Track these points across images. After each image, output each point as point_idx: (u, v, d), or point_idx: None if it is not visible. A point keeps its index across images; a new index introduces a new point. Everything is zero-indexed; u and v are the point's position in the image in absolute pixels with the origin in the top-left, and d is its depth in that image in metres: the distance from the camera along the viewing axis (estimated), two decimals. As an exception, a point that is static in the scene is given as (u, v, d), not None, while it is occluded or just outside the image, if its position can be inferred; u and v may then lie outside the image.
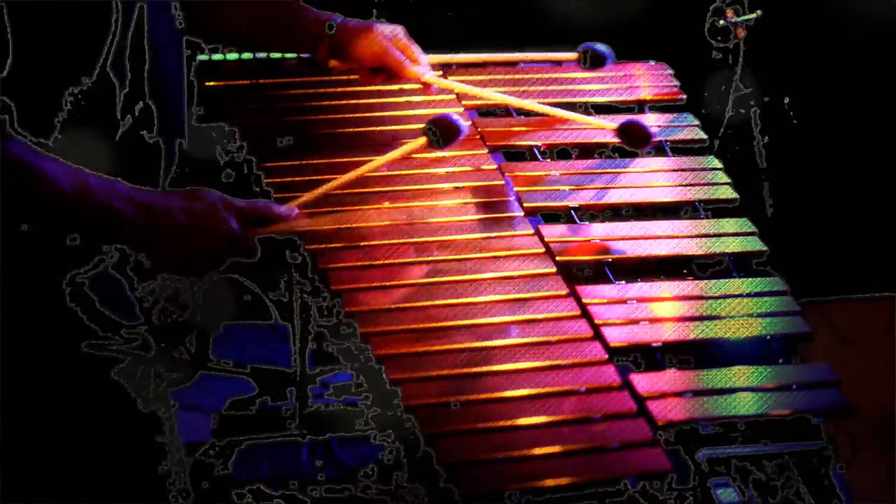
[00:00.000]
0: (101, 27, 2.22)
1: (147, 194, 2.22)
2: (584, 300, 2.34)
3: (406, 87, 3.07)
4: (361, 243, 2.49)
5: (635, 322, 2.31)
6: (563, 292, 2.38)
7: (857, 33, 4.82)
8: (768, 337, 2.29)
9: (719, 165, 2.79)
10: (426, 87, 2.86)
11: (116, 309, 2.31)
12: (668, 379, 2.17)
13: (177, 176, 2.46)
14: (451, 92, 3.01)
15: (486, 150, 2.81)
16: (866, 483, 4.04)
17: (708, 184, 2.74)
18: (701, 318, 2.35)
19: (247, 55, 3.26)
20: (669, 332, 2.30)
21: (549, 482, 1.97)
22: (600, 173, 2.76)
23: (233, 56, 3.26)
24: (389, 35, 2.82)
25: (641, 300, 2.37)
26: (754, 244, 2.56)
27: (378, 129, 2.89)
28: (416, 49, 2.85)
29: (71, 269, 2.25)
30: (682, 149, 2.87)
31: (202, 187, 2.29)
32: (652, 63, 3.20)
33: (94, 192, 2.15)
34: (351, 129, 2.89)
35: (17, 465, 2.25)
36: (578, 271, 2.40)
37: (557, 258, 2.46)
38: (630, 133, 2.75)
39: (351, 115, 2.94)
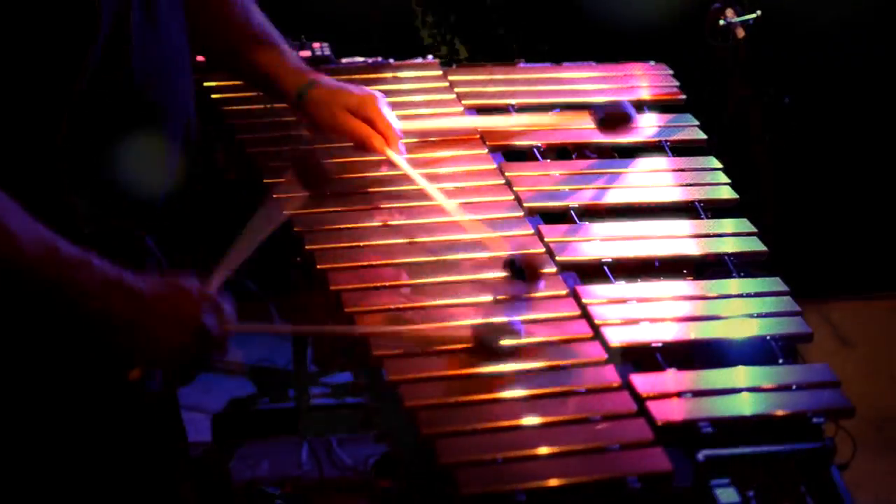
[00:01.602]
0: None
1: (119, 272, 2.12)
2: (584, 300, 2.34)
3: (406, 87, 3.08)
4: (361, 244, 2.49)
5: (635, 322, 2.31)
6: (563, 292, 2.38)
7: (856, 33, 4.82)
8: (768, 337, 2.29)
9: (719, 165, 2.79)
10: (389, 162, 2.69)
11: None
12: (669, 379, 2.17)
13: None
14: (450, 91, 3.02)
15: (486, 150, 2.81)
16: (866, 483, 4.04)
17: (708, 184, 2.74)
18: (701, 318, 2.35)
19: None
20: (669, 333, 2.30)
21: (549, 482, 1.97)
22: (600, 173, 2.76)
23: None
24: (354, 103, 2.67)
25: (641, 300, 2.37)
26: (754, 244, 2.56)
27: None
28: (388, 117, 2.67)
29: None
30: (682, 149, 2.87)
31: (181, 274, 2.20)
32: (652, 63, 3.20)
33: (61, 259, 2.06)
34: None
35: (19, 466, 2.25)
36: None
37: (557, 258, 2.46)
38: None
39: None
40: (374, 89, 2.82)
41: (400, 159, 2.67)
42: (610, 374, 2.18)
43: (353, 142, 2.68)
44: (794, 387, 2.19)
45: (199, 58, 2.93)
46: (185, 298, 2.17)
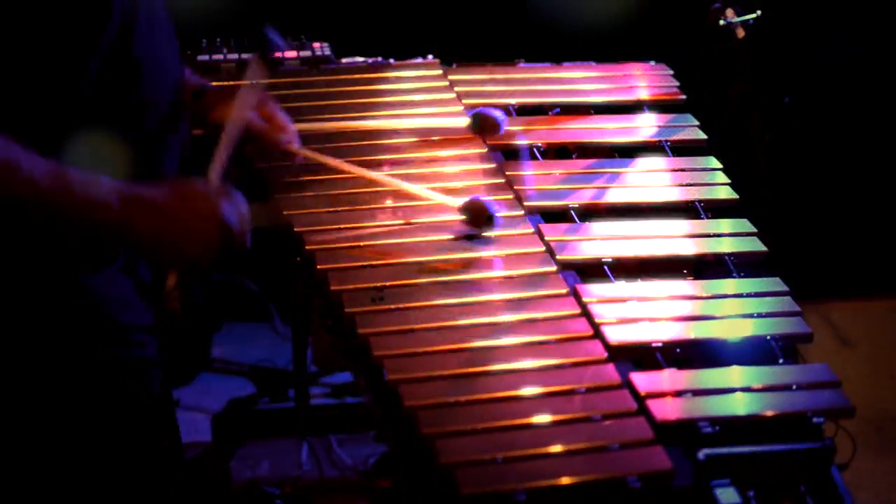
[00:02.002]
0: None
1: (132, 186, 2.17)
2: (585, 299, 2.34)
3: (405, 87, 3.08)
4: (361, 244, 2.49)
5: (635, 321, 2.31)
6: (563, 291, 2.38)
7: (856, 33, 4.82)
8: (768, 337, 2.29)
9: (719, 165, 2.80)
10: (291, 156, 2.70)
11: (124, 310, 2.30)
12: (669, 378, 2.17)
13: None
14: (449, 91, 3.02)
15: (486, 150, 2.81)
16: (866, 483, 4.04)
17: (708, 184, 2.74)
18: (701, 318, 2.35)
19: (247, 55, 3.27)
20: (670, 332, 2.29)
21: (550, 482, 1.96)
22: (600, 173, 2.76)
23: (233, 56, 3.27)
24: (253, 102, 2.66)
25: (641, 300, 2.37)
26: (754, 244, 2.56)
27: (378, 128, 2.89)
28: (282, 116, 2.69)
29: (79, 269, 2.24)
30: (682, 149, 2.87)
31: (192, 178, 2.26)
32: (652, 63, 3.20)
33: (75, 184, 2.11)
34: (350, 129, 2.89)
35: (18, 465, 2.25)
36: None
37: (558, 257, 2.46)
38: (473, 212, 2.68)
39: (350, 115, 2.94)
40: (372, 88, 2.83)
41: (303, 150, 2.69)
42: (610, 373, 2.18)
43: (253, 136, 2.65)
44: (794, 387, 2.19)
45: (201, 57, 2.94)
46: (200, 196, 2.22)
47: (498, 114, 2.83)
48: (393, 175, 2.67)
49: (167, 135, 2.36)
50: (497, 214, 2.52)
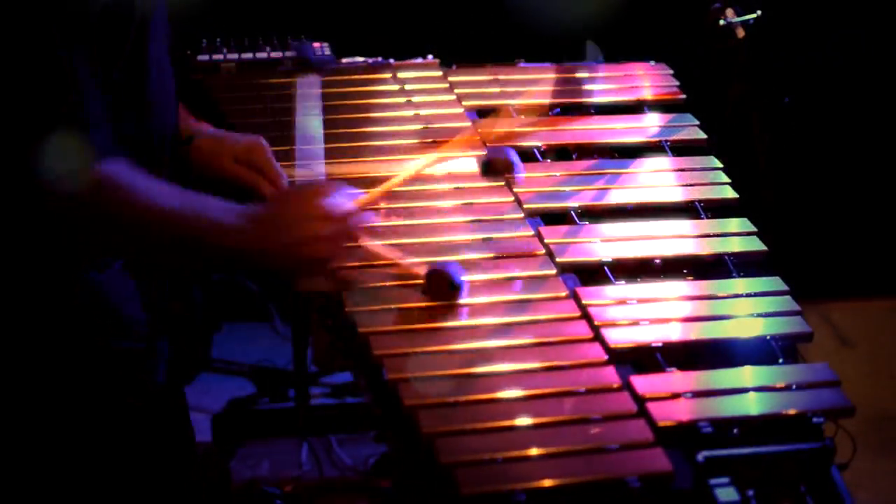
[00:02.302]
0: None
1: (245, 207, 2.21)
2: (584, 301, 2.34)
3: (406, 87, 3.08)
4: (361, 244, 2.49)
5: (635, 323, 2.31)
6: (563, 293, 2.38)
7: (856, 33, 4.82)
8: (768, 337, 2.29)
9: (719, 165, 2.80)
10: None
11: (129, 304, 2.31)
12: (668, 379, 2.17)
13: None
14: (449, 91, 3.02)
15: (486, 151, 2.81)
16: (866, 483, 4.04)
17: (708, 183, 2.74)
18: (701, 319, 2.35)
19: (247, 55, 3.27)
20: (669, 333, 2.29)
21: (549, 482, 1.96)
22: (600, 174, 2.76)
23: (233, 56, 3.27)
24: (241, 151, 2.64)
25: (641, 301, 2.37)
26: (754, 244, 2.56)
27: (378, 129, 2.89)
28: (273, 167, 2.64)
29: (84, 266, 2.25)
30: (683, 148, 2.87)
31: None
32: (652, 63, 3.20)
33: (205, 211, 2.15)
34: (350, 129, 2.89)
35: (24, 458, 2.25)
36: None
37: (558, 259, 2.46)
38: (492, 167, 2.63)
39: (350, 115, 2.94)
40: (372, 89, 2.83)
41: None
42: (610, 375, 2.18)
43: (242, 187, 2.63)
44: (794, 387, 2.19)
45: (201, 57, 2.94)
46: (306, 197, 2.26)
47: (513, 156, 2.59)
48: (392, 175, 2.68)
49: (168, 136, 2.36)
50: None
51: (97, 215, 2.10)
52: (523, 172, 2.57)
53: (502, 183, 2.66)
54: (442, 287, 2.33)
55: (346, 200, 2.28)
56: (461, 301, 2.33)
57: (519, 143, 2.85)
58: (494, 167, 2.57)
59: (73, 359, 2.24)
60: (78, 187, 2.07)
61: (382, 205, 2.58)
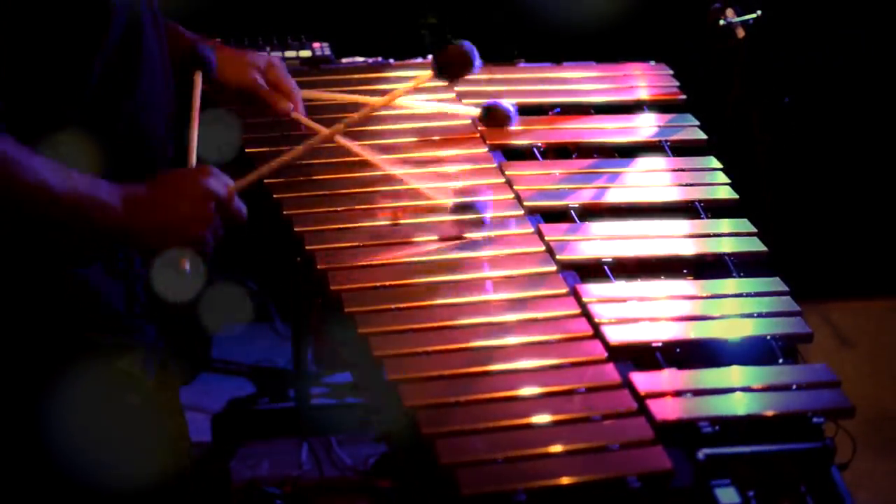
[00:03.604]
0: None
1: (125, 186, 2.22)
2: (584, 299, 2.34)
3: (406, 87, 3.07)
4: (361, 244, 2.49)
5: (635, 321, 2.31)
6: (563, 291, 2.38)
7: (856, 33, 4.82)
8: (768, 337, 2.29)
9: (719, 165, 2.79)
10: (296, 124, 2.72)
11: (120, 297, 2.31)
12: (668, 378, 2.17)
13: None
14: (450, 91, 3.02)
15: (485, 149, 2.81)
16: (866, 483, 4.04)
17: (708, 184, 2.74)
18: (701, 318, 2.35)
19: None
20: (670, 332, 2.29)
21: (550, 482, 1.97)
22: (600, 173, 2.76)
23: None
24: (262, 65, 2.70)
25: (641, 299, 2.37)
26: (754, 244, 2.56)
27: (378, 128, 2.89)
28: (290, 82, 2.70)
29: (77, 261, 2.25)
30: (682, 149, 2.87)
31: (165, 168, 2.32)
32: (652, 63, 3.20)
33: (81, 186, 2.16)
34: (350, 129, 2.88)
35: (17, 458, 2.25)
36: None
37: (557, 257, 2.46)
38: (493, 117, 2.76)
39: (350, 115, 2.93)
40: (372, 88, 2.83)
41: (307, 120, 2.71)
42: (610, 373, 2.18)
43: (258, 101, 2.69)
44: (794, 387, 2.19)
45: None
46: (186, 179, 2.29)
47: (509, 106, 2.79)
48: (392, 175, 2.68)
49: (161, 135, 2.36)
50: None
51: None
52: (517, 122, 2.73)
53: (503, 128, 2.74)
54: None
55: (221, 184, 2.29)
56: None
57: (519, 143, 2.85)
58: (494, 116, 2.68)
59: (56, 351, 2.24)
60: None
61: (388, 204, 2.58)
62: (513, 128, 2.86)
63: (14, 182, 2.11)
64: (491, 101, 2.80)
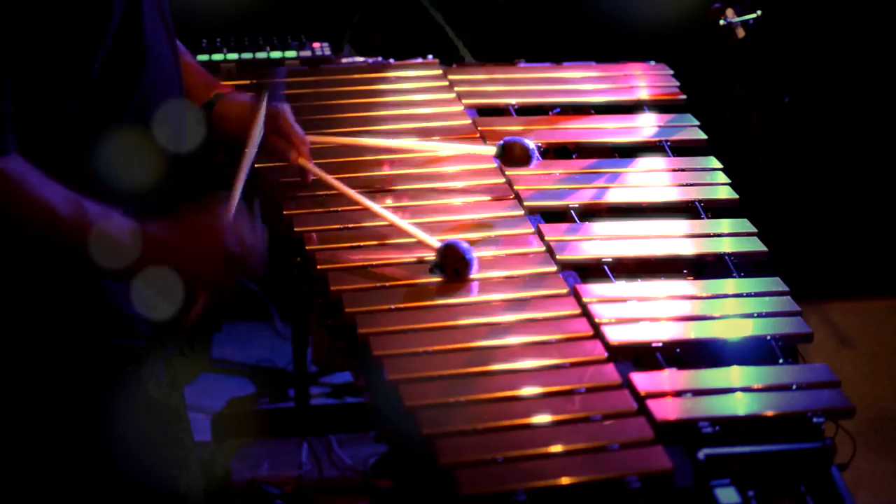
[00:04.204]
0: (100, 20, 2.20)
1: (142, 223, 2.19)
2: (585, 299, 2.34)
3: (406, 86, 3.08)
4: (361, 244, 2.49)
5: (635, 321, 2.31)
6: (564, 291, 2.38)
7: (856, 33, 4.82)
8: (768, 337, 2.29)
9: (719, 165, 2.80)
10: (303, 174, 2.69)
11: (129, 306, 2.30)
12: (669, 378, 2.17)
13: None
14: (449, 91, 3.03)
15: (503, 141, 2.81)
16: (866, 483, 4.04)
17: (708, 184, 2.74)
18: (701, 318, 2.35)
19: (247, 55, 3.27)
20: (670, 332, 2.30)
21: (550, 482, 1.96)
22: (600, 173, 2.76)
23: (233, 56, 3.27)
24: (268, 119, 2.63)
25: (642, 299, 2.37)
26: (754, 244, 2.56)
27: (378, 128, 2.89)
28: (297, 129, 2.66)
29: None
30: (682, 149, 2.87)
31: (207, 201, 2.27)
32: (652, 63, 3.21)
33: (91, 216, 2.13)
34: (350, 129, 2.89)
35: (17, 459, 2.25)
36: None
37: (558, 257, 2.47)
38: (510, 153, 2.70)
39: (350, 115, 2.94)
40: (372, 88, 2.83)
41: (313, 168, 2.66)
42: (610, 373, 2.18)
43: (266, 152, 2.64)
44: (794, 387, 2.19)
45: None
46: (207, 230, 2.24)
47: (529, 143, 2.71)
48: (392, 175, 2.68)
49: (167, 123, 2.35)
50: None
51: None
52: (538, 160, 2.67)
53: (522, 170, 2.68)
54: (453, 264, 2.38)
55: (238, 240, 2.24)
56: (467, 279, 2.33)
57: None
58: (512, 154, 2.64)
59: (71, 356, 2.24)
60: None
61: (389, 202, 2.58)
62: (513, 128, 2.87)
63: (25, 206, 2.09)
64: (510, 138, 2.72)
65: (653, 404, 2.10)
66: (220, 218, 2.27)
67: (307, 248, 2.49)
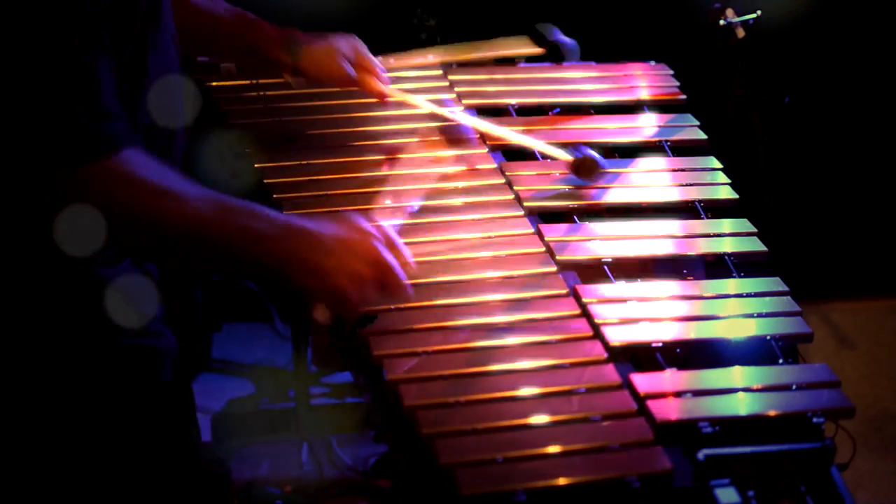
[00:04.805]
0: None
1: (287, 216, 2.19)
2: (584, 300, 2.34)
3: (406, 87, 3.07)
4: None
5: (635, 322, 2.31)
6: (563, 291, 2.38)
7: (856, 33, 4.82)
8: (768, 337, 2.29)
9: (719, 165, 2.80)
10: (382, 99, 2.85)
11: (139, 301, 2.30)
12: (668, 379, 2.17)
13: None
14: (450, 91, 3.03)
15: (486, 150, 2.81)
16: (866, 483, 4.04)
17: (708, 184, 2.74)
18: (701, 318, 2.35)
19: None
20: (669, 332, 2.29)
21: (550, 482, 1.96)
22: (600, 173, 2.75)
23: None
24: (348, 50, 2.80)
25: (641, 300, 2.37)
26: (754, 244, 2.56)
27: (378, 128, 2.89)
28: (373, 61, 2.83)
29: (96, 263, 2.24)
30: (682, 149, 2.87)
31: (352, 215, 2.25)
32: (652, 63, 3.20)
33: (235, 215, 2.11)
34: (351, 129, 2.89)
35: (28, 457, 2.25)
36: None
37: (557, 257, 2.46)
38: (583, 168, 2.71)
39: (351, 115, 2.94)
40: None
41: (396, 92, 2.86)
42: (610, 374, 2.18)
43: (349, 86, 2.82)
44: (794, 387, 2.19)
45: (201, 58, 2.94)
46: (362, 235, 2.20)
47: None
48: (392, 175, 2.68)
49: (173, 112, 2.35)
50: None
51: (108, 207, 2.05)
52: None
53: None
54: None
55: (396, 253, 2.22)
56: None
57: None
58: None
59: (81, 354, 2.24)
60: (91, 181, 2.03)
61: (388, 202, 2.58)
62: (513, 128, 2.87)
63: (173, 214, 2.06)
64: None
65: (653, 405, 2.10)
66: (377, 227, 2.24)
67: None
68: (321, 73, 2.78)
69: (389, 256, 2.20)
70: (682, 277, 2.50)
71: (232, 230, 2.11)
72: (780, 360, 2.25)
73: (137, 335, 2.29)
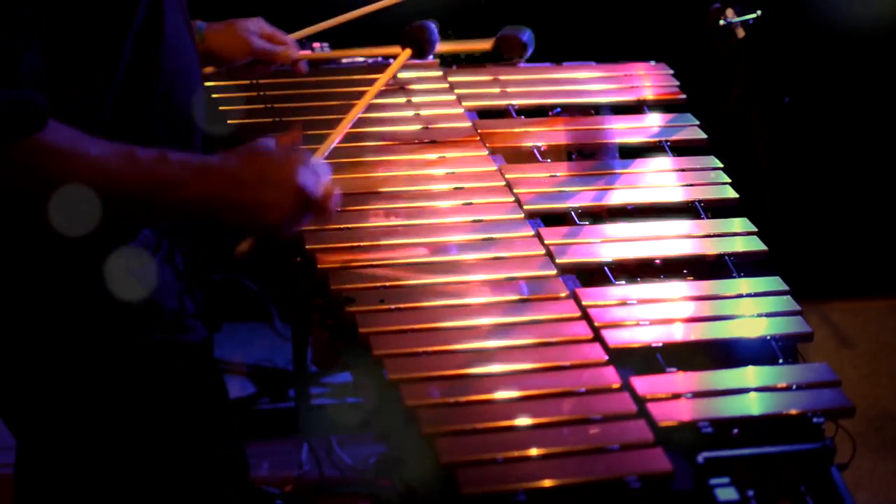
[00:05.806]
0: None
1: (204, 158, 2.17)
2: (584, 302, 2.34)
3: (406, 87, 3.07)
4: (361, 243, 2.49)
5: (635, 323, 2.31)
6: (563, 294, 2.38)
7: (856, 32, 4.82)
8: (768, 337, 2.29)
9: (720, 165, 2.79)
10: (297, 66, 2.97)
11: (168, 296, 2.30)
12: (668, 380, 2.17)
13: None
14: (450, 91, 3.03)
15: (486, 152, 2.81)
16: (866, 483, 4.04)
17: (708, 183, 2.74)
18: (701, 319, 2.35)
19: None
20: (669, 334, 2.29)
21: (550, 483, 1.96)
22: (600, 174, 2.75)
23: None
24: (253, 28, 2.88)
25: (642, 301, 2.37)
26: (754, 244, 2.56)
27: (378, 129, 2.89)
28: (280, 34, 2.93)
29: (119, 257, 2.23)
30: (683, 149, 2.87)
31: (262, 139, 2.24)
32: (652, 63, 3.20)
33: (145, 164, 2.09)
34: (351, 130, 2.89)
35: (65, 451, 2.25)
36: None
37: (558, 260, 2.46)
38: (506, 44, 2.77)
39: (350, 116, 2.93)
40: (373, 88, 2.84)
41: (309, 54, 2.99)
42: (610, 376, 2.18)
43: (260, 59, 2.89)
44: (794, 387, 2.19)
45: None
46: (276, 163, 2.19)
47: (524, 34, 2.83)
48: (392, 176, 2.68)
49: (196, 107, 2.34)
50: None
51: (38, 177, 2.03)
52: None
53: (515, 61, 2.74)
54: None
55: (316, 180, 2.22)
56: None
57: (520, 144, 2.85)
58: (509, 44, 2.74)
59: (108, 350, 2.23)
60: (16, 151, 2.02)
61: (382, 205, 2.58)
62: (514, 129, 2.87)
63: (78, 168, 2.04)
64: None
65: (653, 407, 2.10)
66: (295, 154, 2.23)
67: (307, 247, 2.48)
68: (229, 50, 2.84)
69: (306, 178, 2.19)
70: (683, 278, 2.50)
71: (144, 179, 2.09)
72: (781, 360, 2.25)
73: (170, 330, 2.29)
